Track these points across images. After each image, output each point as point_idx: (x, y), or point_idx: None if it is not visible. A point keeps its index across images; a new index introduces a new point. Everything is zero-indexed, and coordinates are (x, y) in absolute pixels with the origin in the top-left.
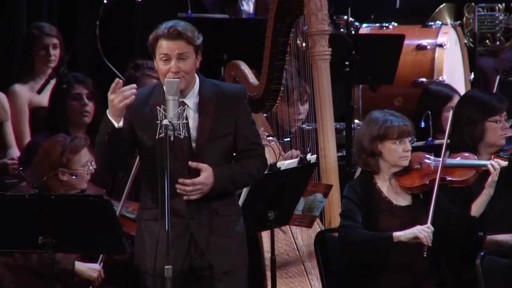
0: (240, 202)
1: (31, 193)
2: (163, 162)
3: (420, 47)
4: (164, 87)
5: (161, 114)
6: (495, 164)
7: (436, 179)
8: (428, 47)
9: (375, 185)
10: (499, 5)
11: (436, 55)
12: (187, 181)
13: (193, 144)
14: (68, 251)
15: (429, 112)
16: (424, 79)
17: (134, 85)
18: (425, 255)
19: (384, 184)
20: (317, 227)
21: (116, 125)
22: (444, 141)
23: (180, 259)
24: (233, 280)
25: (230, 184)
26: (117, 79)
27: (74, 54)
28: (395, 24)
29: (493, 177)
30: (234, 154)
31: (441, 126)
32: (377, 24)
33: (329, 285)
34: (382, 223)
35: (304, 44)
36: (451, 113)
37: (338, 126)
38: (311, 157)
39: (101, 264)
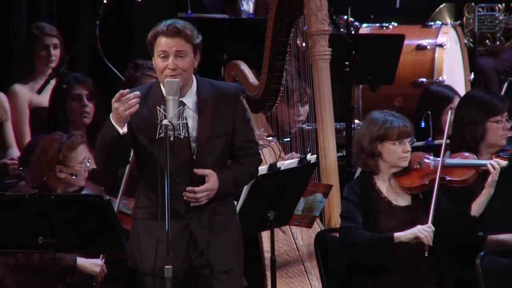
0: (240, 202)
1: (31, 193)
2: (163, 162)
3: (420, 47)
4: (162, 86)
5: (161, 114)
6: (495, 164)
7: (436, 179)
8: (428, 47)
9: (375, 186)
10: (499, 5)
11: (436, 55)
12: (196, 188)
13: (193, 144)
14: (68, 251)
15: (429, 113)
16: (424, 79)
17: (138, 93)
18: (426, 255)
19: (383, 185)
20: (317, 227)
21: (120, 131)
22: (444, 141)
23: (179, 258)
24: (231, 279)
25: (233, 186)
26: (121, 91)
27: (74, 54)
28: (395, 24)
29: (493, 177)
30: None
31: (441, 126)
32: (377, 24)
33: (329, 285)
34: (382, 223)
35: (304, 44)
36: (450, 113)
37: (338, 126)
38: (311, 157)
39: (103, 259)
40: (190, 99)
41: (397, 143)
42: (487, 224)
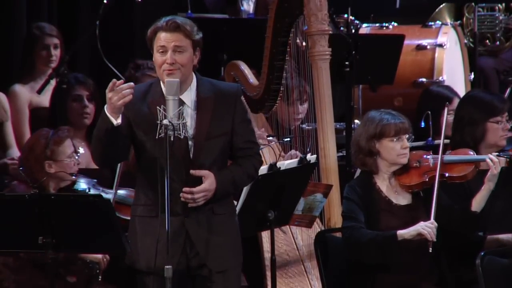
0: (240, 202)
1: (31, 193)
2: (162, 162)
3: (420, 47)
4: (162, 85)
5: (161, 114)
6: (494, 158)
7: (436, 176)
8: (428, 47)
9: (375, 185)
10: (499, 5)
11: (436, 55)
12: (194, 189)
13: (190, 143)
14: (68, 251)
15: (429, 113)
16: (424, 79)
17: (132, 84)
18: (430, 251)
19: (383, 184)
20: (317, 227)
21: (114, 122)
22: (441, 138)
23: (175, 258)
24: (228, 279)
25: (231, 187)
26: (114, 80)
27: (74, 54)
28: (395, 24)
29: (492, 171)
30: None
31: (441, 127)
32: (377, 24)
33: (329, 285)
34: (383, 223)
35: (304, 44)
36: (446, 111)
37: (338, 126)
38: (311, 157)
39: None
40: (189, 97)
41: (394, 140)
42: (487, 224)
